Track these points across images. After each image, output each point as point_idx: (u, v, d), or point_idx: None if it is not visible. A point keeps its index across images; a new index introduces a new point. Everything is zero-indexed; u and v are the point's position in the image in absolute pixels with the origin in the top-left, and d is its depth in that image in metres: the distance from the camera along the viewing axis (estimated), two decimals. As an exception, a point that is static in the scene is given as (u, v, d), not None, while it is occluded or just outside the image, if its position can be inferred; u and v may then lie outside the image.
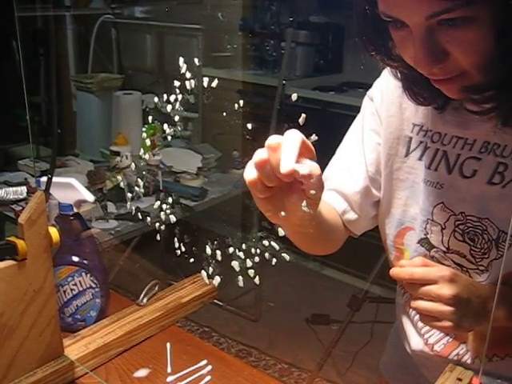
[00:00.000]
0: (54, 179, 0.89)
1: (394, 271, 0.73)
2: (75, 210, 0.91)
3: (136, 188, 1.81)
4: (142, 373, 0.87)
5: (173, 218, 0.83)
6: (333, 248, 0.91)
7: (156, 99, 0.85)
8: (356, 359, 2.06)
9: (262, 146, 0.60)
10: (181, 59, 0.70)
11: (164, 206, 0.82)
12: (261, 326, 2.41)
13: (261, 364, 2.14)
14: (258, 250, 0.76)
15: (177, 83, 0.70)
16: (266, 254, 0.75)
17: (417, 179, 0.82)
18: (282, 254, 0.73)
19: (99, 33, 3.21)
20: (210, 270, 0.85)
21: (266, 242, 0.74)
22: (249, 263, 0.76)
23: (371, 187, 0.88)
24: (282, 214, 0.63)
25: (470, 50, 0.62)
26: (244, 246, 0.76)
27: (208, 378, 0.86)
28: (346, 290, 2.20)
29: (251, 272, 0.76)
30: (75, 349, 0.86)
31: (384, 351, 1.03)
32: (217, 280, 0.79)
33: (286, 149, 0.57)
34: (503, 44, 0.61)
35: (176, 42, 3.23)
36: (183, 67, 0.70)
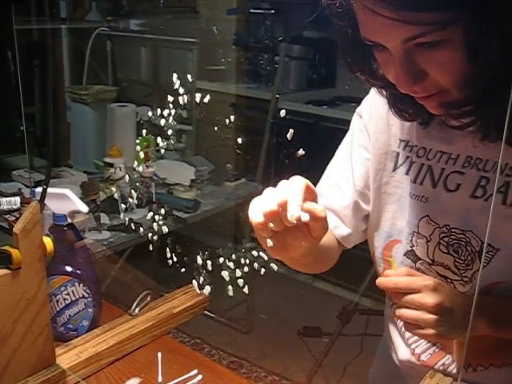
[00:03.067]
0: (49, 190, 0.91)
1: (380, 281, 0.75)
2: (69, 221, 0.92)
3: (129, 199, 1.83)
4: (132, 382, 0.88)
5: (165, 229, 0.85)
6: (328, 266, 0.94)
7: (150, 113, 0.87)
8: (346, 371, 2.07)
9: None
10: (174, 75, 0.72)
11: (156, 217, 0.83)
12: (252, 338, 2.42)
13: (252, 376, 2.14)
14: (248, 261, 0.78)
15: (170, 98, 0.72)
16: (256, 265, 0.77)
17: (404, 193, 0.84)
18: (271, 264, 0.75)
19: (94, 45, 3.24)
20: (201, 280, 0.87)
21: (255, 253, 0.76)
22: (238, 273, 0.77)
23: (360, 201, 0.90)
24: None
25: (446, 69, 0.65)
26: (234, 257, 0.78)
27: (199, 387, 0.87)
28: (337, 303, 2.21)
29: (241, 282, 0.77)
30: (67, 358, 0.87)
31: (373, 362, 1.04)
32: (207, 289, 0.81)
33: (292, 196, 0.62)
34: (475, 64, 0.63)
35: (170, 55, 3.26)
36: (177, 83, 0.72)
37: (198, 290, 0.82)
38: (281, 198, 0.63)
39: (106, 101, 2.74)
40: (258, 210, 0.64)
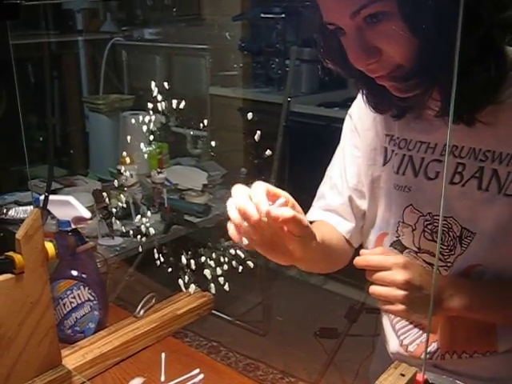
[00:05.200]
0: (53, 197, 0.94)
1: (355, 259, 0.77)
2: (73, 226, 0.95)
3: (141, 205, 1.86)
4: (136, 381, 0.90)
5: (152, 231, 0.88)
6: (340, 265, 0.96)
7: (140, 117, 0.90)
8: (359, 371, 2.07)
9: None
10: (152, 83, 0.75)
11: (144, 220, 0.86)
12: (269, 341, 2.43)
13: (268, 378, 2.16)
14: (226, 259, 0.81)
15: (150, 105, 0.74)
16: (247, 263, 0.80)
17: (390, 185, 0.87)
18: (248, 262, 0.79)
19: (110, 55, 3.30)
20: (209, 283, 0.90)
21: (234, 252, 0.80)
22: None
23: (354, 198, 0.93)
24: None
25: (395, 43, 0.68)
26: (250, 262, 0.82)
27: (200, 385, 0.89)
28: (350, 303, 2.22)
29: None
30: (73, 359, 0.90)
31: (372, 360, 1.05)
32: (192, 288, 0.85)
33: (256, 198, 0.67)
34: (418, 36, 0.66)
35: (184, 62, 3.30)
36: (155, 90, 0.74)
37: (183, 289, 0.83)
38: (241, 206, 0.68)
39: (122, 109, 2.79)
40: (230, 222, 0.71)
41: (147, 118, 1.03)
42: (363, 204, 0.93)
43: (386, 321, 0.94)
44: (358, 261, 0.77)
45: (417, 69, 0.69)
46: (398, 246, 0.86)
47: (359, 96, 0.91)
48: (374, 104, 0.82)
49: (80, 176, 2.22)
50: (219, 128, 2.97)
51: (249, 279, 2.63)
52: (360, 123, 0.91)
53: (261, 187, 0.69)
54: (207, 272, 0.89)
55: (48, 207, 0.93)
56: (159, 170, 1.88)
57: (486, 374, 0.83)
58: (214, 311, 2.66)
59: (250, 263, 0.83)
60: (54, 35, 3.17)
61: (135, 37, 3.38)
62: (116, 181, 1.90)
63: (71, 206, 0.94)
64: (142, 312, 1.03)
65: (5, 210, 1.69)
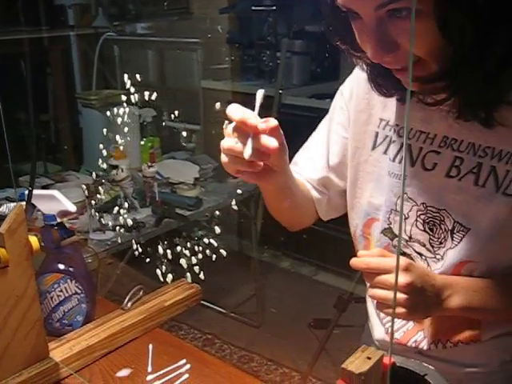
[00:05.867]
0: (38, 192, 0.95)
1: (353, 261, 0.76)
2: (59, 220, 0.96)
3: (133, 199, 1.87)
4: (123, 372, 0.91)
5: (129, 222, 0.89)
6: (305, 221, 0.99)
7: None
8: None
9: None
10: (125, 75, 0.75)
11: (122, 211, 0.87)
12: (263, 332, 2.45)
13: (262, 369, 2.18)
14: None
15: (124, 97, 0.75)
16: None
17: (382, 172, 0.87)
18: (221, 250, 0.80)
19: (102, 50, 3.30)
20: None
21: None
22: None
23: (333, 177, 0.94)
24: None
25: (418, 41, 0.66)
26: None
27: (186, 375, 0.90)
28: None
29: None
30: (60, 351, 0.91)
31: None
32: (169, 278, 0.87)
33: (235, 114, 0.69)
34: (447, 38, 0.64)
35: (176, 56, 3.30)
36: (128, 83, 0.75)
37: (161, 278, 0.84)
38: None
39: (115, 104, 2.79)
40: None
41: (127, 111, 1.03)
42: (341, 184, 0.94)
43: (371, 308, 0.95)
44: (357, 263, 0.75)
45: (443, 72, 0.68)
46: (388, 233, 0.86)
47: (354, 73, 0.90)
48: (378, 86, 0.81)
49: (72, 171, 2.23)
50: (211, 121, 2.98)
51: (242, 271, 2.65)
52: (353, 104, 0.90)
53: (240, 108, 0.70)
54: (183, 262, 0.90)
55: (34, 202, 0.94)
56: (150, 164, 1.89)
57: (469, 361, 0.85)
58: (208, 304, 2.68)
59: (223, 251, 0.84)
60: (45, 31, 3.17)
61: (127, 31, 3.37)
62: (107, 175, 1.91)
63: (56, 200, 0.95)
64: (129, 304, 1.03)
65: (-4, 206, 1.69)
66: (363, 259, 0.76)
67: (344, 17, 0.71)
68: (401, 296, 0.72)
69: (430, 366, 0.50)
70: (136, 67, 3.43)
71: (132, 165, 2.15)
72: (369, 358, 0.43)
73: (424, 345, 0.85)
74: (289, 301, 2.61)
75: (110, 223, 1.76)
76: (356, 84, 0.89)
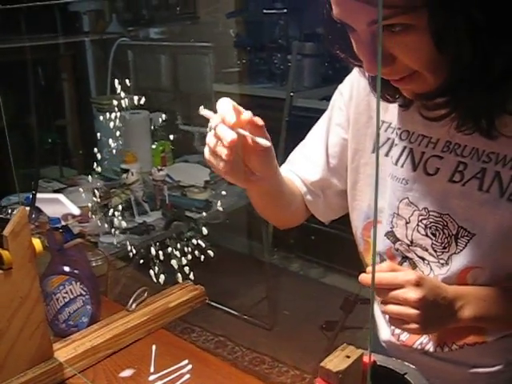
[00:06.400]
0: (43, 195, 0.97)
1: (362, 277, 0.74)
2: (63, 223, 0.98)
3: (143, 203, 1.89)
4: (126, 373, 0.93)
5: (123, 224, 0.90)
6: (295, 221, 0.98)
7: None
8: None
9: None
10: (116, 81, 0.77)
11: (116, 213, 0.88)
12: (275, 335, 2.45)
13: (274, 371, 2.18)
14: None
15: (115, 102, 0.77)
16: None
17: (383, 174, 0.86)
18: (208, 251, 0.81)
19: (116, 55, 3.34)
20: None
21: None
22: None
23: (331, 178, 0.94)
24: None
25: (413, 54, 0.66)
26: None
27: (187, 376, 0.91)
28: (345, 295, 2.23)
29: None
30: (65, 352, 0.93)
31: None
32: (162, 278, 0.88)
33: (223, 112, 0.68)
34: (444, 53, 0.64)
35: (188, 60, 3.33)
36: (118, 88, 0.76)
37: (155, 280, 0.86)
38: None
39: (130, 109, 2.83)
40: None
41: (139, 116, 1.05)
42: (340, 184, 0.94)
43: (377, 310, 0.95)
44: (367, 279, 0.74)
45: (443, 88, 0.69)
46: (391, 236, 0.86)
47: (353, 73, 0.90)
48: (381, 93, 0.80)
49: (84, 176, 2.26)
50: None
51: (253, 274, 2.66)
52: (353, 105, 0.89)
53: (227, 102, 0.70)
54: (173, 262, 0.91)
55: (39, 205, 0.96)
56: (160, 168, 1.91)
57: (474, 361, 0.84)
58: (220, 306, 2.69)
59: (211, 252, 0.85)
60: (61, 37, 3.22)
61: (140, 37, 3.41)
62: (118, 179, 1.94)
63: (61, 204, 0.97)
64: (134, 305, 1.05)
65: (10, 211, 1.73)
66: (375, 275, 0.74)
67: (342, 27, 0.71)
68: (413, 311, 0.71)
69: (411, 366, 0.51)
70: (149, 72, 3.46)
71: (143, 169, 2.18)
72: (348, 357, 0.44)
73: (430, 347, 0.85)
74: (300, 303, 2.62)
75: (120, 226, 1.78)
76: (356, 84, 0.89)
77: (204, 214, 1.93)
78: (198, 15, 2.87)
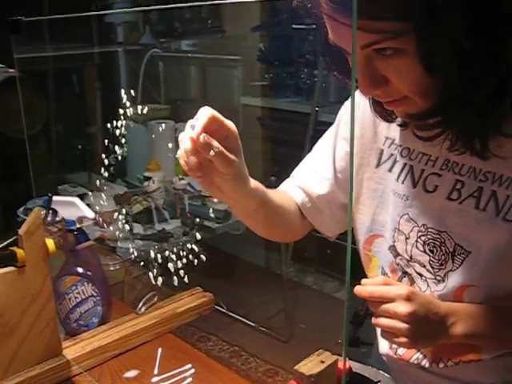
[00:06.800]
0: (60, 198, 1.01)
1: (356, 289, 0.76)
2: (78, 225, 1.01)
3: (163, 210, 1.93)
4: (131, 373, 0.95)
5: (143, 231, 0.93)
6: (290, 236, 1.00)
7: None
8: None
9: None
10: (122, 91, 0.80)
11: (121, 217, 0.91)
12: (291, 347, 2.45)
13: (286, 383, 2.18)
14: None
15: (121, 111, 0.80)
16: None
17: (386, 189, 0.88)
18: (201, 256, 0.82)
19: (148, 66, 3.42)
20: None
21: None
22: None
23: (338, 191, 0.95)
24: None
25: (405, 77, 0.68)
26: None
27: (189, 379, 0.93)
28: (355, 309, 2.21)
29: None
30: (73, 349, 0.96)
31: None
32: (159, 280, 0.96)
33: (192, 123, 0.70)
34: (433, 75, 0.66)
35: (217, 73, 3.38)
36: (124, 97, 0.80)
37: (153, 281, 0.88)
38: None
39: (159, 119, 2.89)
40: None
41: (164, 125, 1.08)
42: (344, 198, 0.95)
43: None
44: (360, 291, 0.76)
45: (432, 109, 0.70)
46: (393, 251, 0.87)
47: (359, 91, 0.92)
48: (379, 112, 0.82)
49: (109, 182, 2.32)
50: (249, 137, 3.03)
51: (271, 286, 2.67)
52: (358, 121, 0.91)
53: (205, 113, 0.70)
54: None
55: (55, 207, 1.00)
56: (181, 177, 1.95)
57: (470, 379, 0.84)
58: (237, 317, 2.70)
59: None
60: (96, 47, 3.32)
61: (172, 48, 3.49)
62: (141, 187, 1.98)
63: (76, 207, 1.00)
64: (143, 309, 1.08)
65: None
66: (367, 288, 0.76)
67: (339, 50, 0.73)
68: (403, 325, 0.72)
69: (386, 374, 0.52)
70: (179, 83, 3.53)
71: (166, 177, 2.22)
72: (322, 362, 0.45)
73: (426, 362, 0.86)
74: (317, 316, 2.61)
75: (140, 232, 1.82)
76: (362, 101, 0.90)
77: (222, 224, 1.96)
78: (224, 29, 2.92)
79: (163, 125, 2.34)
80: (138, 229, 1.85)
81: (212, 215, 1.92)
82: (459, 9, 0.61)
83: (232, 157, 0.70)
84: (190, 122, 0.71)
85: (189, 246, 1.02)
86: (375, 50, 0.67)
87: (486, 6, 0.62)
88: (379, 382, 0.48)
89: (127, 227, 1.75)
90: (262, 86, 3.11)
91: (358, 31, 0.63)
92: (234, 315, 2.52)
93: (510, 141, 0.73)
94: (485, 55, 0.64)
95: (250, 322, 2.55)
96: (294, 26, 3.05)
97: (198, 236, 0.82)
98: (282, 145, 3.12)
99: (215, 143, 0.68)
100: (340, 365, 0.46)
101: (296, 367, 0.45)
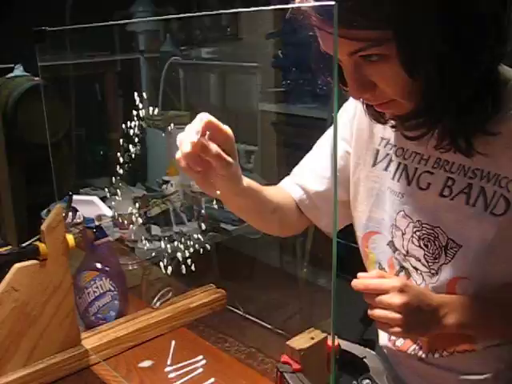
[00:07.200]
0: (80, 197, 1.07)
1: (353, 282, 0.80)
2: (97, 223, 1.07)
3: (180, 213, 1.99)
4: (145, 363, 1.00)
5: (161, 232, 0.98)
6: (287, 231, 1.06)
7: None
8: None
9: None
10: (143, 97, 0.85)
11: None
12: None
13: None
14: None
15: (134, 112, 0.85)
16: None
17: (382, 187, 0.92)
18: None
19: (168, 73, 3.49)
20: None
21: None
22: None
23: (337, 188, 0.98)
24: (218, 192, 0.80)
25: (390, 81, 0.73)
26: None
27: (200, 369, 0.98)
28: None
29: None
30: (91, 340, 1.02)
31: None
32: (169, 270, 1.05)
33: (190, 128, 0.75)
34: (415, 79, 0.71)
35: (236, 80, 3.44)
36: (144, 104, 0.85)
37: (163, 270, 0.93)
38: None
39: (179, 125, 2.95)
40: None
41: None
42: (343, 195, 0.98)
43: None
44: (357, 284, 0.79)
45: (416, 110, 0.75)
46: (391, 246, 0.91)
47: None
48: (372, 115, 0.86)
49: (130, 186, 2.39)
50: (269, 143, 3.08)
51: (287, 288, 2.70)
52: (356, 122, 0.95)
53: (201, 118, 0.76)
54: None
55: (76, 206, 1.06)
56: (198, 180, 2.00)
57: (465, 368, 0.88)
58: (254, 319, 2.74)
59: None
60: (118, 55, 3.41)
61: (191, 56, 3.56)
62: (160, 190, 2.04)
63: (95, 205, 1.06)
64: (158, 303, 1.13)
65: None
66: (362, 281, 0.80)
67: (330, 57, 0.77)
68: (396, 316, 0.76)
69: (372, 352, 0.56)
70: (199, 90, 3.60)
71: (185, 181, 2.28)
72: (312, 339, 0.49)
73: (422, 353, 0.89)
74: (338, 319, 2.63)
75: (158, 234, 1.88)
76: (359, 104, 0.95)
77: (238, 226, 2.01)
78: (241, 36, 2.98)
79: (181, 130, 2.40)
80: (156, 230, 1.90)
81: (230, 217, 1.97)
82: (435, 16, 0.66)
83: (229, 159, 0.76)
84: (188, 126, 0.76)
85: (205, 245, 1.07)
86: (362, 57, 0.72)
87: (461, 12, 0.67)
88: (365, 357, 0.52)
89: (146, 229, 1.80)
90: (280, 92, 3.15)
91: (344, 39, 0.68)
92: (250, 317, 2.56)
93: (495, 139, 0.76)
94: (462, 58, 0.68)
95: (266, 325, 2.59)
96: (309, 32, 3.10)
97: (203, 226, 0.87)
98: (299, 149, 3.16)
99: (214, 146, 0.74)
100: (329, 342, 0.50)
101: (288, 342, 0.49)
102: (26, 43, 0.88)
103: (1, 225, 2.22)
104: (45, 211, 2.16)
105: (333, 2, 0.44)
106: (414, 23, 0.66)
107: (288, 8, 0.73)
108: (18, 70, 2.98)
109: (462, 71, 0.70)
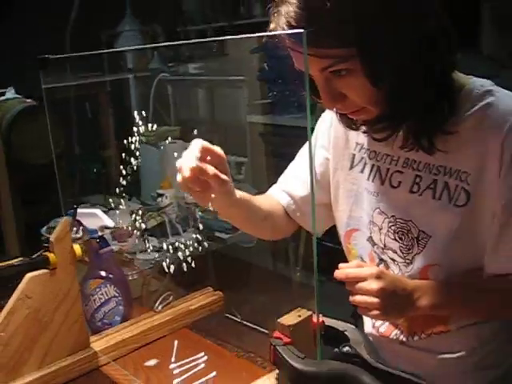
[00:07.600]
0: (83, 210, 1.14)
1: (335, 273, 0.88)
2: (99, 234, 1.15)
3: (176, 224, 2.06)
4: (151, 362, 1.08)
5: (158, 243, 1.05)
6: (277, 234, 1.15)
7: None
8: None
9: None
10: (134, 114, 0.94)
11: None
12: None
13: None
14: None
15: (135, 128, 0.93)
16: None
17: (359, 188, 1.01)
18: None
19: (157, 89, 3.58)
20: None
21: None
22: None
23: (318, 193, 1.07)
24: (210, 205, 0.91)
25: (358, 92, 0.82)
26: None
27: (202, 365, 1.05)
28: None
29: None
30: (99, 343, 1.09)
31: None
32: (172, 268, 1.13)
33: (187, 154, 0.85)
34: (379, 89, 0.81)
35: (224, 94, 3.53)
36: (136, 120, 0.93)
37: (166, 270, 1.01)
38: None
39: (171, 140, 3.03)
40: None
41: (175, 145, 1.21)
42: (325, 198, 1.07)
43: None
44: (338, 274, 0.87)
45: (382, 115, 0.85)
46: (370, 241, 1.00)
47: None
48: (345, 123, 0.96)
49: (125, 201, 2.45)
50: (258, 154, 3.17)
51: (285, 294, 2.77)
52: (333, 130, 1.05)
53: (197, 144, 0.86)
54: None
55: (79, 218, 1.13)
56: (191, 192, 2.07)
57: (442, 349, 0.96)
58: (252, 325, 2.80)
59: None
60: (106, 75, 3.49)
61: (179, 72, 3.65)
62: (155, 203, 2.12)
63: (98, 217, 1.14)
64: (160, 307, 1.20)
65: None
66: (342, 270, 0.88)
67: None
68: (374, 300, 0.84)
69: (352, 326, 0.63)
70: (187, 105, 3.68)
71: (179, 194, 2.35)
72: (299, 316, 0.57)
73: (403, 337, 0.97)
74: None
75: (155, 245, 1.95)
76: (334, 114, 1.04)
77: (231, 234, 2.08)
78: (226, 52, 3.08)
79: (174, 145, 2.47)
80: (153, 242, 1.97)
81: (224, 226, 2.05)
82: (392, 34, 0.76)
83: (224, 177, 0.86)
84: (186, 152, 0.87)
85: (201, 253, 1.15)
86: (332, 72, 0.81)
87: (415, 29, 0.77)
88: (345, 330, 0.60)
89: (143, 240, 1.87)
90: (267, 104, 3.24)
91: (314, 58, 0.78)
92: (249, 324, 2.62)
93: (453, 137, 0.86)
94: (419, 69, 0.78)
95: (265, 330, 2.65)
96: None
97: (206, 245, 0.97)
98: (287, 158, 3.25)
99: (211, 169, 0.84)
100: (314, 318, 0.58)
101: (279, 320, 0.57)
102: (15, 67, 0.95)
103: (4, 241, 2.29)
104: (45, 228, 2.23)
105: (302, 30, 0.53)
106: (374, 41, 0.77)
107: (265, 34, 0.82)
108: (10, 93, 3.06)
109: (419, 79, 0.80)
